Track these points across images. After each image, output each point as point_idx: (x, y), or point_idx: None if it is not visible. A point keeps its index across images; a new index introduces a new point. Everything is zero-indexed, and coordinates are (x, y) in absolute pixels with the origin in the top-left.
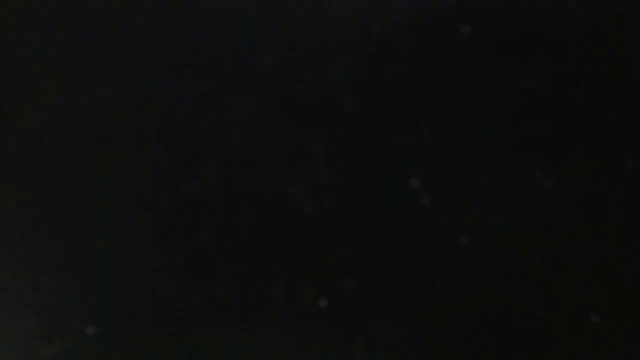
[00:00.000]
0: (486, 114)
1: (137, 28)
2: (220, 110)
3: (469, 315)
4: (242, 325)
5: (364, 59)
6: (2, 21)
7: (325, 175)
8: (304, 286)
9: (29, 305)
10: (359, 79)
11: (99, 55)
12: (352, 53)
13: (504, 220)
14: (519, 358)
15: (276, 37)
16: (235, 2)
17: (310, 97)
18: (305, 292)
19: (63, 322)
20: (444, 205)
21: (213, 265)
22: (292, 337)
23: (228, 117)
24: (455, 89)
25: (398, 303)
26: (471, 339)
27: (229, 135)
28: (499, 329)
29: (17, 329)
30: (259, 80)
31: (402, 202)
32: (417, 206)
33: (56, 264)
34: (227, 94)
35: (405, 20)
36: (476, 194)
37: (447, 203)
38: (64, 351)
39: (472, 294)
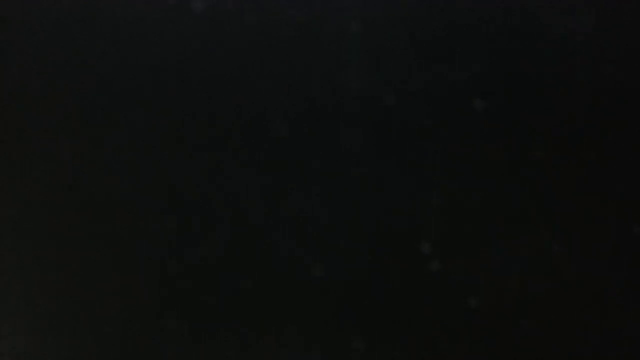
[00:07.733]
0: (496, 181)
1: (150, 93)
2: (231, 176)
3: None
4: None
5: (375, 130)
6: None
7: (335, 239)
8: (312, 349)
9: None
10: (370, 148)
11: (111, 122)
12: (364, 124)
13: (513, 284)
14: None
15: (290, 107)
16: (248, 73)
17: (322, 164)
18: (313, 355)
19: None
20: (453, 270)
21: (219, 328)
22: None
23: (238, 183)
24: (466, 159)
25: None
26: None
27: (238, 199)
28: None
29: None
30: (270, 149)
31: (412, 267)
32: (426, 271)
33: (56, 327)
34: (238, 161)
35: (417, 93)
36: (485, 259)
37: (457, 268)
38: None
39: (481, 357)
